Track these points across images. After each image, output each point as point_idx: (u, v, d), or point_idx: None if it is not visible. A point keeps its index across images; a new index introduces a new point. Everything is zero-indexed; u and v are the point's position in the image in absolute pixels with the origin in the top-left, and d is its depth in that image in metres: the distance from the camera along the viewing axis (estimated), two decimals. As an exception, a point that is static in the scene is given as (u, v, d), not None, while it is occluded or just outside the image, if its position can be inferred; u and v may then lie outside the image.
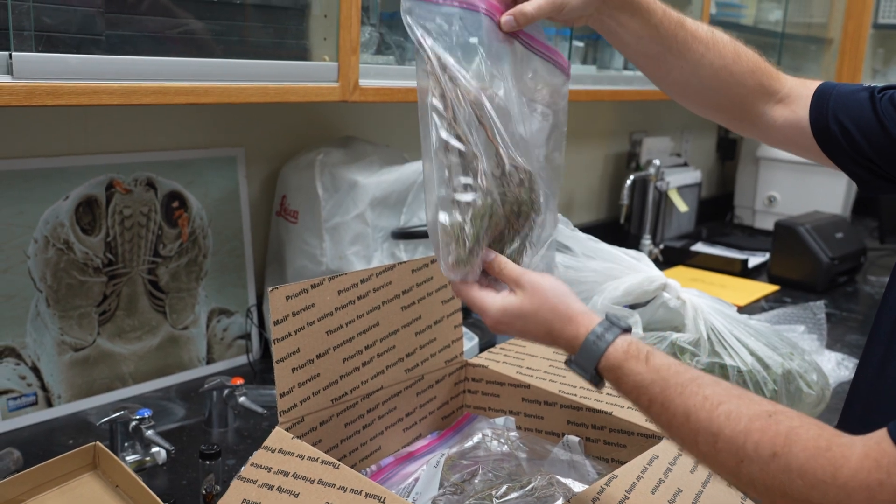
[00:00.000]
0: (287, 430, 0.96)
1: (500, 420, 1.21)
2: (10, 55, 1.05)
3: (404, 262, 1.13)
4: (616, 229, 2.68)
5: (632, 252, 1.49)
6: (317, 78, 1.41)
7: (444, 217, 0.83)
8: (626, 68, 2.35)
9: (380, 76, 1.52)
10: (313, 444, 0.97)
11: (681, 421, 0.72)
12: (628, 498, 0.89)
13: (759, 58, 1.04)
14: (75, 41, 1.15)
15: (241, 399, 1.38)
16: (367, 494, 0.83)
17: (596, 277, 1.43)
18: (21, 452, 1.21)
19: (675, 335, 1.39)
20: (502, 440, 1.12)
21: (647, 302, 1.47)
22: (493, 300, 0.85)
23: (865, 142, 0.97)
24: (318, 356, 1.01)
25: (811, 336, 1.71)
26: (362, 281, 1.07)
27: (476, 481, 1.02)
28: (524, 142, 0.89)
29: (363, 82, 1.46)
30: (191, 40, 1.30)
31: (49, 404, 1.41)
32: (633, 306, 1.48)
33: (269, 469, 0.91)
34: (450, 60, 0.83)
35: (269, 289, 0.96)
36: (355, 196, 1.53)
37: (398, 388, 1.15)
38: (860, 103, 0.98)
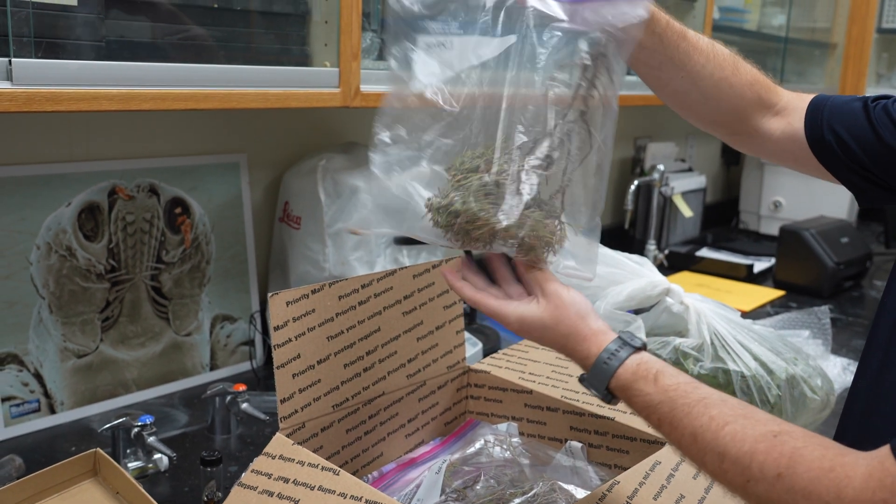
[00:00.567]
0: (288, 436, 0.96)
1: (502, 426, 1.21)
2: (10, 61, 1.05)
3: (405, 267, 1.13)
4: (621, 234, 2.67)
5: (635, 257, 1.48)
6: (318, 84, 1.41)
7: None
8: (629, 73, 2.33)
9: (381, 82, 1.52)
10: (314, 451, 0.97)
11: (689, 441, 0.74)
12: (631, 504, 0.89)
13: (758, 71, 1.06)
14: (75, 47, 1.15)
15: (244, 405, 1.38)
16: (367, 501, 0.83)
17: (599, 282, 1.42)
18: (24, 459, 1.21)
19: (678, 340, 1.38)
20: (505, 446, 1.11)
21: (651, 307, 1.46)
22: (511, 310, 0.86)
23: (861, 150, 0.98)
24: (319, 362, 1.01)
25: (816, 341, 1.71)
26: (363, 286, 1.07)
27: (478, 487, 1.02)
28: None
29: (364, 88, 1.46)
30: (191, 46, 1.30)
31: (52, 411, 1.41)
32: (636, 311, 1.47)
33: (269, 475, 0.90)
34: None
35: (270, 294, 0.96)
36: (357, 202, 1.53)
37: (400, 393, 1.14)
38: (854, 113, 0.99)
